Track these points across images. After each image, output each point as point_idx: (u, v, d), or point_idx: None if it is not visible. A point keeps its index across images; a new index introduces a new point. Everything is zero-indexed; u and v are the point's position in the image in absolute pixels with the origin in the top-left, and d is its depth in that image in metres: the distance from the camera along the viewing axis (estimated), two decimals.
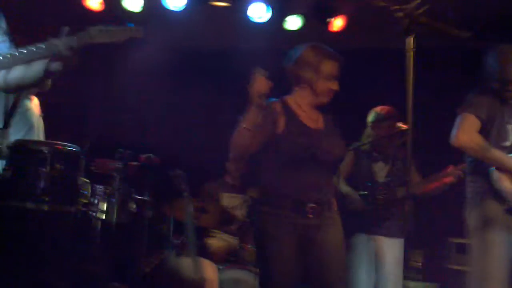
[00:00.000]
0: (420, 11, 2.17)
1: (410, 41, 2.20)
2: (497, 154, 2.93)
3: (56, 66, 2.11)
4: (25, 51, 2.09)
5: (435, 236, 4.78)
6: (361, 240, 3.86)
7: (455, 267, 4.59)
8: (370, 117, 4.02)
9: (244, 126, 2.52)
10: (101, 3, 4.62)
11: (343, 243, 2.76)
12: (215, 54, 5.19)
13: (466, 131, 2.95)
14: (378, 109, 4.02)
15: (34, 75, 2.17)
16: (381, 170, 3.96)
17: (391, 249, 3.83)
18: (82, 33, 2.43)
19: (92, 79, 4.66)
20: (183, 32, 4.96)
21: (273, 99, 2.72)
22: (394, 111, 3.94)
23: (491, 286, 2.87)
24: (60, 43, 2.18)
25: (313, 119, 2.77)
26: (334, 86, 2.77)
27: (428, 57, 4.21)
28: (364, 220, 3.81)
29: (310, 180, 2.64)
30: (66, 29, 2.39)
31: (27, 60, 2.14)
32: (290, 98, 2.81)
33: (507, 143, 3.00)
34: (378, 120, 3.94)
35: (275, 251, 2.59)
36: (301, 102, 2.77)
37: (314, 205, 2.62)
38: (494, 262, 2.88)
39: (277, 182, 2.65)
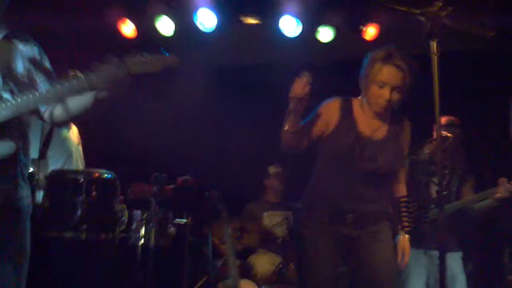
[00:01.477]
0: (443, 13, 2.08)
1: (433, 44, 2.11)
2: None
3: (103, 95, 2.13)
4: (65, 85, 2.11)
5: (489, 245, 4.58)
6: (413, 255, 3.74)
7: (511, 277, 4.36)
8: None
9: (285, 128, 2.51)
10: (134, 30, 4.70)
11: (392, 255, 2.64)
12: (249, 71, 5.18)
13: None
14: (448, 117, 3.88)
15: (81, 107, 2.20)
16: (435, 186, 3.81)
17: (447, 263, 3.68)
18: (120, 65, 2.44)
19: (127, 103, 4.70)
20: (217, 52, 4.98)
21: (335, 98, 2.67)
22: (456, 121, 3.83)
23: None
24: (97, 77, 2.20)
25: (371, 128, 2.62)
26: (386, 94, 2.53)
27: (457, 61, 4.09)
28: (416, 234, 3.70)
29: (351, 189, 2.56)
30: (109, 57, 2.41)
31: (68, 94, 2.16)
32: (357, 100, 2.68)
33: None
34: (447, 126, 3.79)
35: (311, 258, 2.55)
36: (365, 108, 2.65)
37: (354, 215, 2.55)
38: None
39: (318, 187, 2.62)
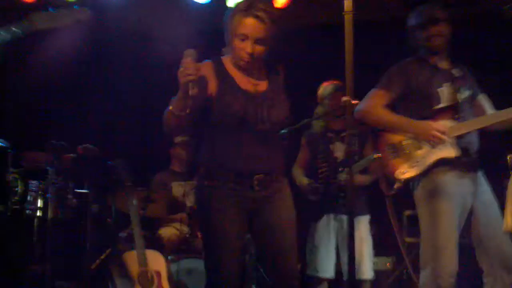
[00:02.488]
0: None
1: (348, 3, 2.13)
2: (396, 119, 2.99)
3: None
4: None
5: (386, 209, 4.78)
6: (324, 221, 3.84)
7: (409, 239, 4.60)
8: (323, 91, 3.92)
9: (170, 108, 2.35)
10: None
11: (293, 213, 2.58)
12: (155, 38, 5.00)
13: (367, 105, 3.01)
14: (330, 82, 3.93)
15: None
16: (339, 151, 3.90)
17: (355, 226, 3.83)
18: (24, 21, 2.28)
19: (21, 66, 4.39)
20: (120, 17, 4.76)
21: (205, 61, 2.47)
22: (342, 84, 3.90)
23: (444, 258, 2.83)
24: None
25: (251, 83, 2.51)
26: (247, 47, 2.42)
27: (368, 32, 4.17)
28: (325, 202, 3.79)
29: (250, 150, 2.46)
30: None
31: None
32: (227, 58, 2.53)
33: (441, 105, 2.97)
34: (336, 91, 3.83)
35: (218, 225, 2.45)
36: (237, 64, 2.52)
37: (260, 176, 2.46)
38: (445, 232, 2.85)
39: (216, 154, 2.48)
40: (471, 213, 2.93)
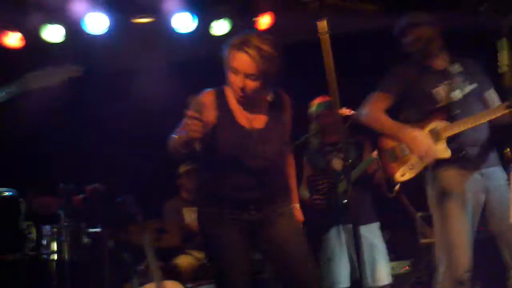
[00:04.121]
0: None
1: (322, 24, 2.17)
2: (391, 125, 3.00)
3: None
4: None
5: (400, 212, 4.77)
6: (334, 233, 3.84)
7: (424, 240, 4.58)
8: (315, 109, 3.98)
9: (173, 141, 2.40)
10: (20, 39, 4.47)
11: (299, 233, 2.63)
12: (146, 72, 5.05)
13: (370, 111, 3.05)
14: (321, 99, 3.99)
15: None
16: (338, 162, 3.92)
17: (363, 235, 3.81)
18: (19, 81, 2.37)
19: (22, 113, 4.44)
20: (110, 56, 4.82)
21: (208, 90, 2.54)
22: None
23: (457, 255, 2.85)
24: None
25: (248, 118, 2.55)
26: (239, 81, 2.43)
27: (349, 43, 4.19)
28: (331, 214, 3.79)
29: (245, 181, 2.51)
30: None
31: None
32: (230, 88, 2.54)
33: (439, 104, 3.00)
34: (326, 108, 3.89)
35: (220, 249, 2.50)
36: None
37: (254, 204, 2.52)
38: (455, 230, 2.87)
39: (212, 182, 2.54)
40: (485, 207, 2.94)
